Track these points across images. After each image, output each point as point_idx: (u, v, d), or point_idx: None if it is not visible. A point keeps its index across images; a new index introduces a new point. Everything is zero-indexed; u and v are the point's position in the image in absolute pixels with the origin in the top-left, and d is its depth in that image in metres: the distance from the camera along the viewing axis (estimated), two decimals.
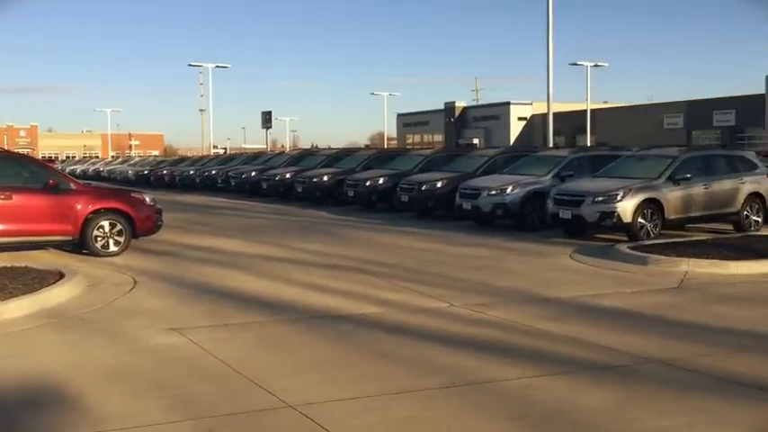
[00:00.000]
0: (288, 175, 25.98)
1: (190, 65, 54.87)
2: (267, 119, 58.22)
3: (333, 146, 41.13)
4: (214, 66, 52.73)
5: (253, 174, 29.01)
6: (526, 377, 5.74)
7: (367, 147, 52.08)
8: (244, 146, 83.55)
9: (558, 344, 6.75)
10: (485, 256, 12.30)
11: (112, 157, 70.03)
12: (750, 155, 16.02)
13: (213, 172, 33.30)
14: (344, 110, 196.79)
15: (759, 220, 14.81)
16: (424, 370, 5.95)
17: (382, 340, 6.91)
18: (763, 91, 46.76)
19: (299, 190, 24.39)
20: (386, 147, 62.04)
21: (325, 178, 23.54)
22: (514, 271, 10.76)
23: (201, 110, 57.57)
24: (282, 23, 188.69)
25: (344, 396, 5.32)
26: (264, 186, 27.13)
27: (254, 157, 35.35)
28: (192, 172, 35.46)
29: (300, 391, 5.40)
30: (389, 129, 79.74)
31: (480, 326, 7.44)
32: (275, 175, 26.71)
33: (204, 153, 52.42)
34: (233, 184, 30.21)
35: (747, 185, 14.76)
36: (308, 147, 63.41)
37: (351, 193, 21.41)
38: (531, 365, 6.03)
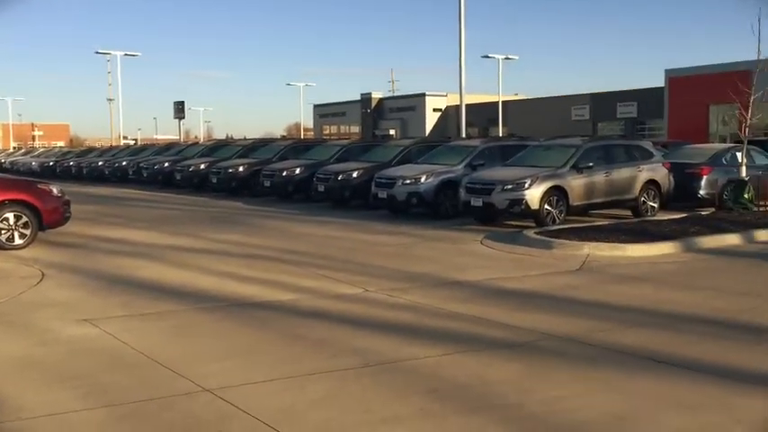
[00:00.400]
0: (202, 166, 25.57)
1: (97, 52, 53.10)
2: (180, 109, 56.81)
3: (248, 136, 40.55)
4: (123, 54, 51.02)
5: (166, 165, 28.39)
6: (437, 355, 6.02)
7: (283, 137, 51.71)
8: (155, 137, 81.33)
9: (468, 324, 7.08)
10: (399, 243, 12.59)
11: (14, 148, 66.82)
12: (647, 144, 16.96)
13: (124, 163, 32.36)
14: (260, 100, 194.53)
15: (655, 205, 15.71)
16: (339, 352, 6.14)
17: (299, 325, 7.06)
18: (662, 84, 49.18)
19: (214, 181, 24.06)
20: (302, 137, 61.79)
21: (241, 169, 23.33)
22: (428, 257, 11.09)
23: (110, 99, 55.72)
24: (195, 11, 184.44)
25: (261, 379, 5.45)
26: (178, 177, 26.60)
27: (167, 147, 34.55)
28: (101, 163, 34.36)
29: (217, 376, 5.49)
30: (306, 119, 79.51)
31: (394, 309, 7.69)
32: (189, 166, 26.24)
33: (113, 144, 50.80)
34: (145, 175, 29.47)
35: (644, 173, 15.62)
36: (223, 137, 62.37)
37: (267, 184, 21.33)
38: (441, 345, 6.31)
